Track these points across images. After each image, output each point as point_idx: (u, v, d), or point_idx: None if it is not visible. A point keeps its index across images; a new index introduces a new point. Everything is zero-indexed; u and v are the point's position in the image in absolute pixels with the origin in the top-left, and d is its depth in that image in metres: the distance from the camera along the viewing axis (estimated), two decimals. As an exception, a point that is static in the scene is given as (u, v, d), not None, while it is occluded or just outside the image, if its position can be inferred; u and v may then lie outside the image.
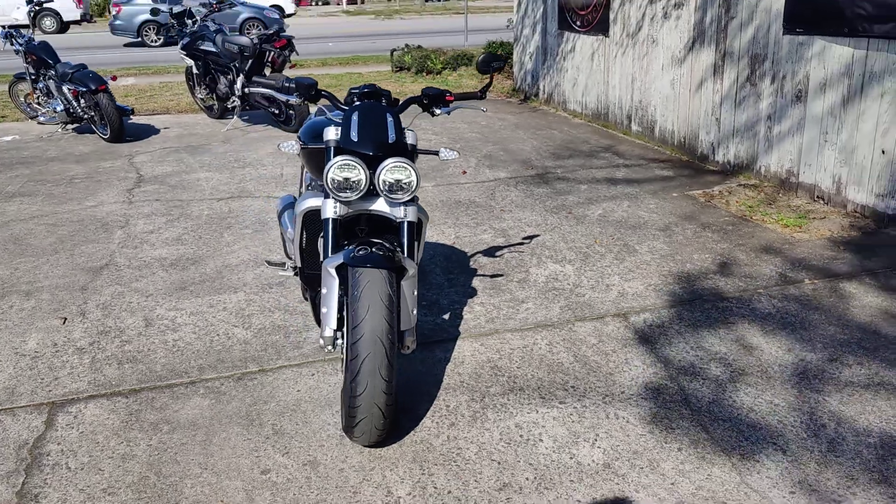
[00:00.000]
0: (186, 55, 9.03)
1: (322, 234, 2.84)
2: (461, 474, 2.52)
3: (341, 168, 2.67)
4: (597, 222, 5.09)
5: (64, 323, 3.73)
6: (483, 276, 4.22)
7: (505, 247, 4.68)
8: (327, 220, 2.76)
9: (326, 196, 2.77)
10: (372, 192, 2.74)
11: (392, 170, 2.69)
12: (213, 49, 8.82)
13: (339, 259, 2.59)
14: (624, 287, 4.02)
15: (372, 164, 2.71)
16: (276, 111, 8.54)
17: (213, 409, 2.95)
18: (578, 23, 8.70)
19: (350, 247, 2.65)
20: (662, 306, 3.78)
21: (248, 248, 4.76)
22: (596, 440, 2.70)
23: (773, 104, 5.72)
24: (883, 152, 4.82)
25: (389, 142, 2.74)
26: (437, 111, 3.07)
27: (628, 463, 2.56)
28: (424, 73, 13.08)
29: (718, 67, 6.29)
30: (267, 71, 8.79)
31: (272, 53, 8.42)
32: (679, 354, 3.29)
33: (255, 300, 3.97)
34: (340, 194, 2.71)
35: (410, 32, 20.42)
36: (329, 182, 2.69)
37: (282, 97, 3.00)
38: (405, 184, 2.72)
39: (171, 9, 9.60)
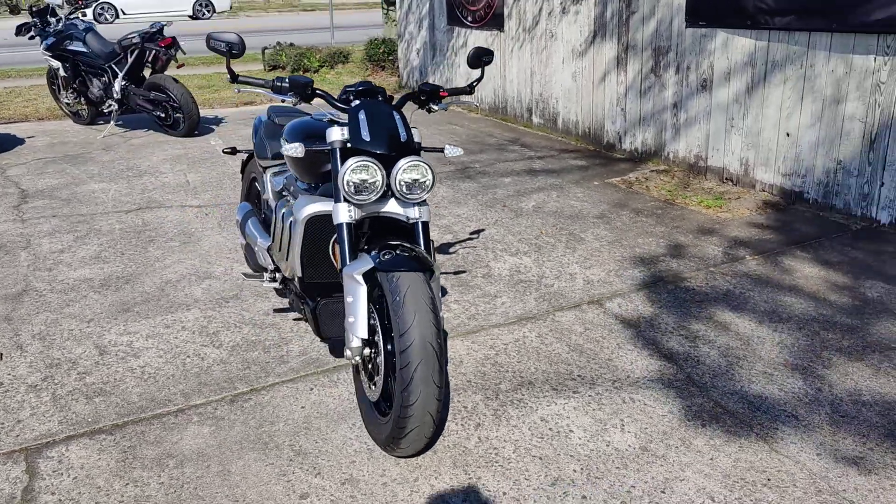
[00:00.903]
0: (52, 56, 8.25)
1: (335, 240, 2.69)
2: (508, 474, 2.49)
3: (357, 169, 2.54)
4: (534, 214, 5.17)
5: (1, 359, 3.31)
6: (446, 273, 4.18)
7: (456, 243, 4.65)
8: (341, 224, 2.61)
9: (337, 200, 2.62)
10: (383, 194, 2.63)
11: (408, 169, 2.60)
12: (84, 49, 8.12)
13: (365, 264, 2.46)
14: (587, 275, 4.12)
15: (384, 165, 2.60)
16: (162, 115, 8.01)
17: (218, 437, 2.73)
18: (470, 18, 8.80)
19: (372, 251, 2.53)
20: (630, 291, 3.90)
21: (183, 262, 4.43)
22: (623, 426, 2.74)
23: (678, 93, 6.07)
24: (788, 135, 5.24)
25: (402, 140, 2.64)
26: (435, 107, 2.99)
27: (663, 444, 2.63)
28: (301, 72, 12.72)
29: (622, 59, 6.57)
30: (147, 72, 8.22)
31: (154, 52, 7.88)
32: (664, 336, 3.41)
33: (215, 316, 3.71)
34: (357, 197, 2.58)
35: (263, 31, 19.79)
36: (345, 185, 2.56)
37: (278, 97, 2.81)
38: (421, 183, 2.63)
39: (31, 6, 8.73)
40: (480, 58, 3.02)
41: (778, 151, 5.33)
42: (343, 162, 2.62)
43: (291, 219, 2.90)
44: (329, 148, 2.67)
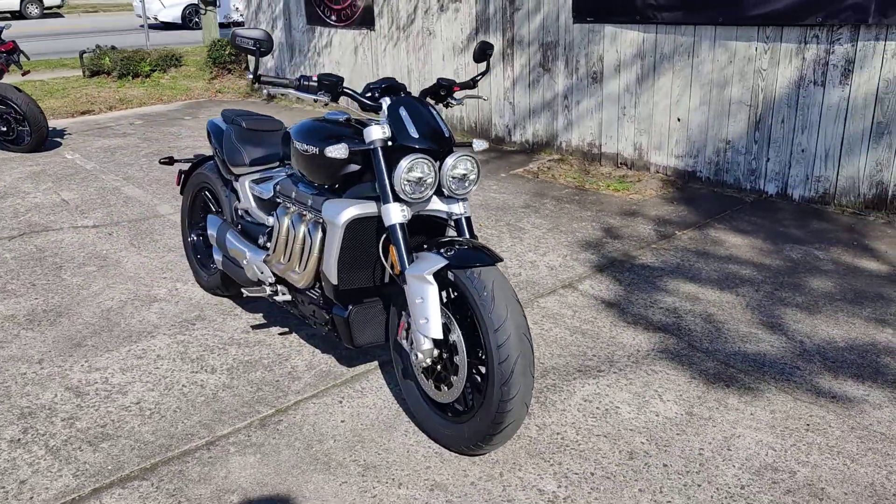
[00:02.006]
0: None
1: (386, 243, 2.59)
2: (585, 455, 2.55)
3: (415, 167, 2.47)
4: (462, 208, 5.24)
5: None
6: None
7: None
8: (394, 226, 2.52)
9: (386, 200, 2.52)
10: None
11: (458, 164, 2.57)
12: None
13: (434, 263, 2.40)
14: (545, 262, 4.26)
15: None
16: (4, 129, 7.12)
17: (269, 464, 2.53)
18: (334, 17, 8.65)
19: (432, 249, 2.47)
20: (594, 273, 4.10)
21: (113, 288, 4.01)
22: (661, 396, 2.90)
23: (569, 86, 6.40)
24: (678, 120, 5.73)
25: (445, 136, 2.60)
26: (453, 102, 2.96)
27: (704, 407, 2.82)
28: (131, 77, 11.80)
29: (507, 55, 6.81)
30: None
31: (-9, 58, 6.98)
32: (647, 310, 3.64)
33: (189, 340, 3.41)
34: (412, 196, 2.50)
35: (57, 34, 18.09)
36: (402, 183, 2.47)
37: (308, 96, 2.63)
38: (470, 178, 2.61)
39: None
40: (485, 52, 3.03)
41: (670, 136, 5.82)
42: (386, 161, 2.53)
43: (305, 226, 2.79)
44: (370, 147, 2.56)
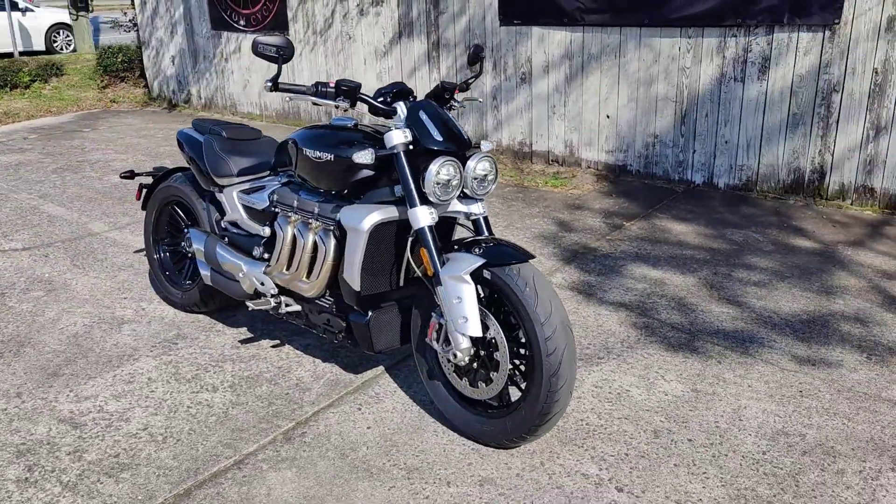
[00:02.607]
0: None
1: (414, 247, 2.60)
2: (613, 437, 2.67)
3: (445, 169, 2.51)
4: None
5: (-61, 462, 2.59)
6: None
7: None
8: (423, 229, 2.54)
9: (413, 204, 2.54)
10: None
11: (480, 164, 2.62)
12: None
13: (470, 262, 2.44)
14: (512, 257, 4.37)
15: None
16: None
17: (309, 477, 2.49)
18: (243, 22, 8.43)
19: (461, 249, 2.52)
20: (562, 265, 4.25)
21: (71, 312, 3.77)
22: (664, 376, 3.08)
23: (497, 86, 6.56)
24: (608, 117, 6.01)
25: (465, 138, 2.64)
26: (456, 104, 3.00)
27: (705, 383, 3.02)
28: (9, 88, 10.97)
29: (433, 57, 6.89)
30: None
31: None
32: (623, 297, 3.82)
33: (177, 360, 3.27)
34: (442, 198, 2.53)
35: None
36: (433, 186, 2.50)
37: (327, 102, 2.58)
38: (489, 178, 2.67)
39: None
40: (478, 55, 3.08)
41: (600, 132, 6.09)
42: (410, 164, 2.55)
43: (313, 234, 2.77)
44: (393, 152, 2.57)
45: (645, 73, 5.71)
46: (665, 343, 3.34)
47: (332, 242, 2.76)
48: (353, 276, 2.68)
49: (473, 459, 2.57)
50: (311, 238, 2.82)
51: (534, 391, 2.40)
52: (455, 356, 2.50)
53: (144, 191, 3.78)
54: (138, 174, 3.79)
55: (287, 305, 3.01)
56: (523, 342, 2.51)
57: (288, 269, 2.94)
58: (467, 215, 2.72)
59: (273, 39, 2.53)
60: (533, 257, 2.48)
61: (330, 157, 2.70)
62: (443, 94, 2.91)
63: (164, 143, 7.67)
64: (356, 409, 2.88)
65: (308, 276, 2.86)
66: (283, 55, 2.53)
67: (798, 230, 4.72)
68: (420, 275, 2.62)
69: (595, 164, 6.19)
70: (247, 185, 3.20)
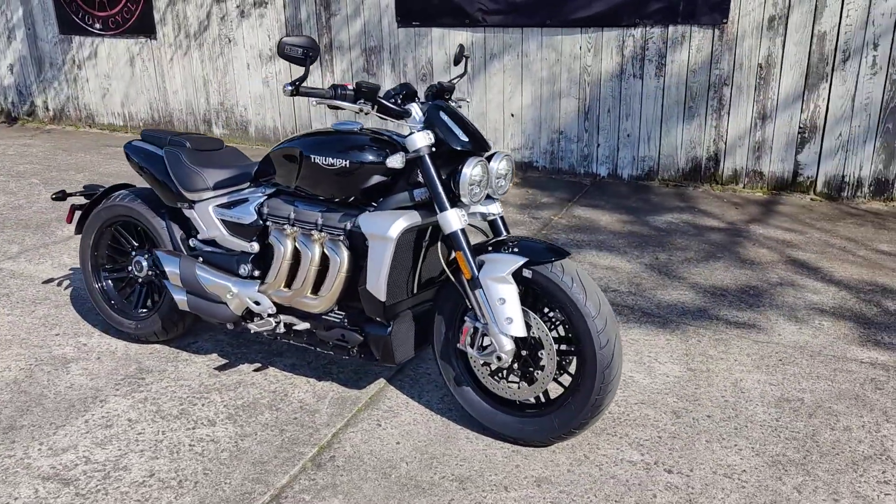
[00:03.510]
0: None
1: (459, 249, 2.51)
2: (640, 423, 2.75)
3: (478, 170, 2.46)
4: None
5: None
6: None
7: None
8: (456, 232, 2.47)
9: (443, 208, 2.47)
10: None
11: (502, 164, 2.60)
12: None
13: (511, 262, 2.41)
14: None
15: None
16: None
17: (358, 501, 2.35)
18: (99, 25, 7.75)
19: (496, 250, 2.48)
20: (513, 262, 4.31)
21: (1, 358, 3.31)
22: (657, 359, 3.21)
23: (397, 89, 6.50)
24: (512, 115, 6.16)
25: (484, 138, 2.61)
26: (453, 104, 2.93)
27: (696, 362, 3.18)
28: None
29: (326, 60, 6.71)
30: None
31: None
32: (585, 288, 3.94)
33: (154, 397, 2.96)
34: (475, 199, 2.49)
35: None
36: (469, 187, 2.44)
37: (349, 106, 2.42)
38: (508, 177, 2.66)
39: None
40: (462, 54, 3.04)
41: (505, 130, 6.22)
42: (435, 167, 2.49)
43: (319, 246, 2.64)
44: (418, 156, 2.48)
45: (548, 72, 5.91)
46: (643, 327, 3.48)
47: (346, 253, 2.62)
48: (378, 287, 2.56)
49: (518, 461, 2.54)
50: (317, 250, 2.66)
51: (586, 385, 2.42)
52: (500, 358, 2.46)
53: (78, 213, 3.37)
54: (70, 194, 3.38)
55: (286, 325, 2.81)
56: (563, 337, 2.52)
57: (288, 285, 2.75)
58: (485, 216, 2.69)
59: (300, 40, 2.36)
60: (569, 254, 2.50)
61: (345, 163, 2.56)
62: (442, 95, 2.86)
63: (21, 162, 6.88)
64: (376, 426, 2.76)
65: (315, 291, 2.70)
66: (311, 56, 2.37)
67: (707, 213, 5.10)
68: (453, 279, 2.55)
69: (501, 161, 6.30)
70: (224, 199, 2.95)
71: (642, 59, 5.59)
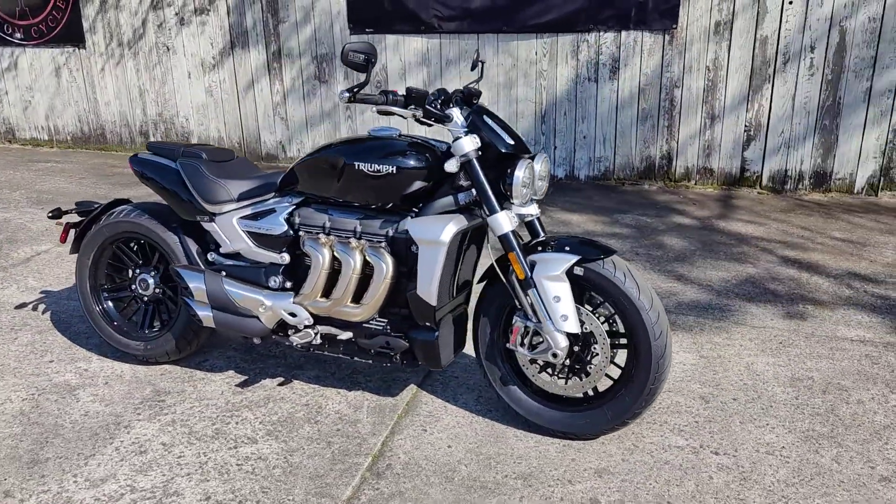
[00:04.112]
0: None
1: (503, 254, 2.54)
2: (674, 409, 2.87)
3: (527, 172, 2.51)
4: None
5: None
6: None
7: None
8: (507, 234, 2.51)
9: (493, 210, 2.50)
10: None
11: (543, 165, 2.66)
12: None
13: (565, 260, 2.47)
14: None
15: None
16: None
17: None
18: (20, 34, 7.31)
19: (543, 251, 2.54)
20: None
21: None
22: (668, 349, 3.35)
23: (351, 96, 6.45)
24: (470, 120, 6.23)
25: (523, 140, 2.66)
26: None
27: (705, 349, 3.34)
28: None
29: (275, 68, 6.58)
30: None
31: None
32: (579, 285, 4.06)
33: (180, 418, 2.85)
34: (525, 200, 2.54)
35: None
36: (521, 188, 2.49)
37: (402, 112, 2.40)
38: (547, 178, 2.72)
39: None
40: (478, 60, 3.07)
41: (463, 135, 6.29)
42: (483, 170, 2.52)
43: (360, 254, 2.61)
44: (467, 160, 2.51)
45: (504, 77, 6.02)
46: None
47: (390, 259, 2.62)
48: (430, 291, 2.56)
49: (572, 455, 2.60)
50: (359, 258, 2.64)
51: (640, 375, 2.51)
52: (555, 356, 2.52)
53: (73, 231, 3.19)
54: (66, 212, 3.20)
55: (323, 335, 2.77)
56: (611, 331, 2.60)
57: (326, 295, 2.72)
58: (522, 217, 2.74)
59: (362, 46, 2.35)
60: (616, 251, 2.58)
61: (391, 169, 2.56)
62: (470, 100, 2.89)
63: (-57, 180, 6.39)
64: (422, 431, 2.75)
65: (361, 299, 2.67)
66: (372, 62, 2.35)
67: (670, 209, 5.34)
68: (504, 280, 2.58)
69: (459, 166, 6.37)
70: (249, 211, 2.87)
71: (597, 63, 5.79)
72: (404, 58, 6.20)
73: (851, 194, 5.59)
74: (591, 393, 2.69)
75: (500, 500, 2.38)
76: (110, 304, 3.24)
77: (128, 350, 3.18)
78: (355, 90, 2.42)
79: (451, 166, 2.46)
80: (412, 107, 2.51)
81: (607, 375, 2.66)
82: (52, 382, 3.10)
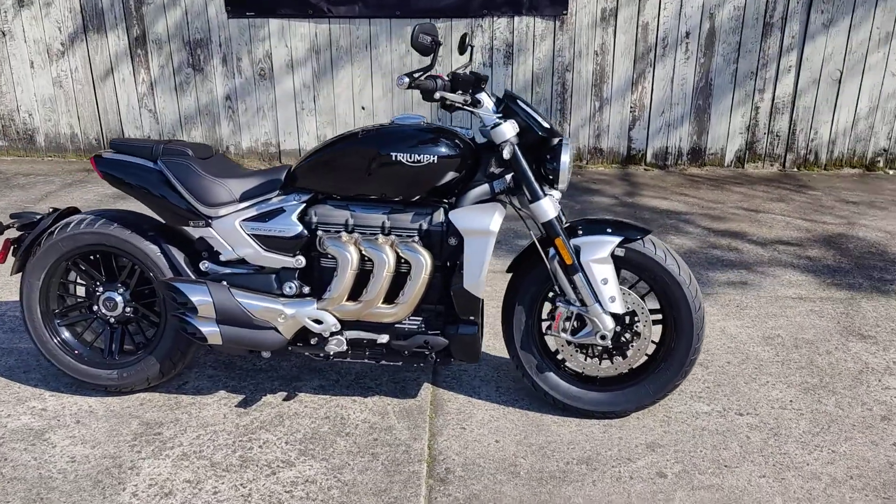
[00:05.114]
0: None
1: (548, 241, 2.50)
2: (702, 390, 3.02)
3: (570, 154, 2.49)
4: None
5: None
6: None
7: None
8: (552, 220, 2.48)
9: (536, 197, 2.46)
10: None
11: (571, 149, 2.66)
12: None
13: (608, 243, 2.49)
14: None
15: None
16: None
17: (511, 502, 2.30)
18: None
19: (584, 235, 2.55)
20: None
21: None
22: (646, 322, 3.50)
23: (232, 87, 6.02)
24: (363, 108, 6.06)
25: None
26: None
27: (723, 323, 3.53)
28: None
29: (139, 55, 5.96)
30: None
31: None
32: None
33: (193, 451, 2.52)
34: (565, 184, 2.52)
35: None
36: (566, 174, 2.46)
37: (453, 97, 2.24)
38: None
39: None
40: (465, 42, 2.94)
41: (356, 124, 6.10)
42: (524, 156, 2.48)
43: (392, 250, 2.48)
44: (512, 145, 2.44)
45: (399, 64, 5.91)
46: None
47: (427, 253, 2.49)
48: (477, 283, 2.47)
49: (617, 434, 2.65)
50: (392, 254, 2.48)
51: (681, 348, 2.60)
52: (603, 337, 2.55)
53: (14, 247, 2.70)
54: (7, 226, 2.69)
55: (350, 341, 2.58)
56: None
57: (354, 297, 2.53)
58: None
59: (430, 28, 2.19)
60: (651, 230, 2.63)
61: (433, 158, 2.43)
62: (479, 84, 2.81)
63: None
64: (461, 430, 2.66)
65: (396, 299, 2.52)
66: (439, 45, 2.20)
67: (580, 189, 5.55)
68: (549, 266, 2.55)
69: (353, 156, 6.18)
70: (253, 212, 2.58)
71: (491, 48, 5.86)
72: (291, 44, 5.88)
73: (722, 167, 6.15)
74: (625, 371, 2.74)
75: (575, 487, 2.37)
76: (65, 331, 2.78)
77: (97, 381, 2.75)
78: (417, 75, 2.26)
79: (507, 153, 2.39)
80: (460, 91, 2.40)
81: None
82: (7, 429, 2.61)
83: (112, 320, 2.76)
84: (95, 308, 2.75)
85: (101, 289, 2.73)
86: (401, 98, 5.97)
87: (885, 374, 3.04)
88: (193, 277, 2.63)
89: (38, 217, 2.73)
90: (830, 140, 6.03)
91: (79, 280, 2.82)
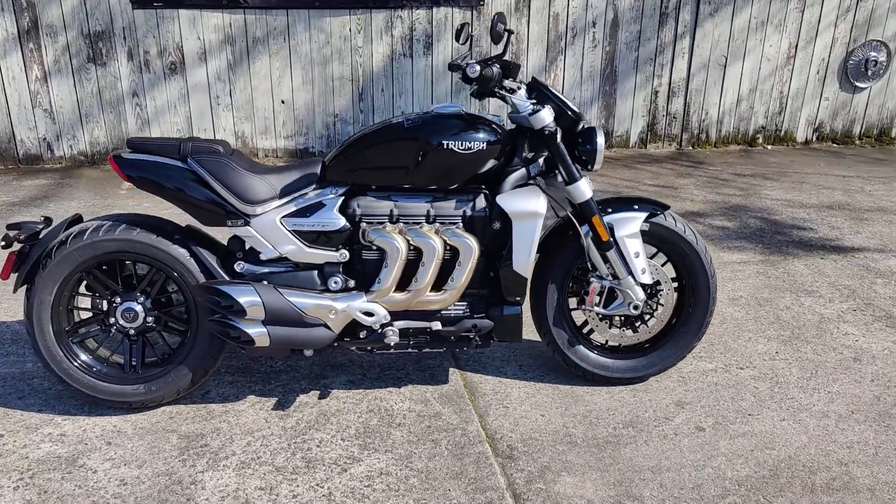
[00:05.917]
0: None
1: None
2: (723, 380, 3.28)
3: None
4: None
5: None
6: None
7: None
8: (589, 200, 2.61)
9: (574, 179, 2.59)
10: None
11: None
12: None
13: (637, 218, 2.66)
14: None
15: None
16: None
17: (591, 470, 2.43)
18: None
19: (613, 212, 2.70)
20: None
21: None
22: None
23: (139, 80, 5.65)
24: (283, 102, 5.90)
25: (574, 108, 2.75)
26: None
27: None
28: None
29: (31, 48, 5.45)
30: None
31: None
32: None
33: (249, 459, 2.44)
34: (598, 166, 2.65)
35: None
36: (599, 156, 2.60)
37: (512, 84, 2.27)
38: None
39: None
40: (496, 27, 2.87)
41: (276, 118, 5.94)
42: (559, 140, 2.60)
43: (439, 238, 2.52)
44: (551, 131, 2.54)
45: (318, 54, 5.81)
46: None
47: (474, 238, 2.55)
48: (526, 265, 2.57)
49: (644, 397, 2.85)
50: (438, 242, 2.52)
51: (699, 312, 2.83)
52: (636, 307, 2.73)
53: (19, 261, 2.45)
54: (13, 238, 2.42)
55: (393, 333, 2.59)
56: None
57: (402, 287, 2.55)
58: (567, 184, 2.86)
59: (504, 18, 2.23)
60: (669, 206, 2.82)
61: (482, 146, 2.49)
62: (509, 72, 2.86)
63: None
64: (505, 409, 2.75)
65: (445, 285, 2.56)
66: (510, 33, 2.25)
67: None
68: (585, 243, 2.68)
69: (273, 151, 6.02)
70: (293, 208, 2.51)
71: (410, 39, 5.90)
72: (203, 36, 5.60)
73: (628, 148, 6.57)
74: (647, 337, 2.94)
75: (631, 448, 2.53)
76: (79, 349, 2.57)
77: (122, 398, 2.57)
78: (497, 59, 2.30)
79: (557, 137, 2.49)
80: (510, 79, 2.47)
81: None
82: (31, 460, 2.39)
83: (132, 332, 2.58)
84: (112, 320, 2.56)
85: (118, 299, 2.55)
86: (321, 89, 5.88)
87: (840, 321, 3.45)
88: (228, 279, 2.52)
89: (40, 227, 2.50)
90: (719, 119, 6.62)
91: (85, 292, 2.61)
